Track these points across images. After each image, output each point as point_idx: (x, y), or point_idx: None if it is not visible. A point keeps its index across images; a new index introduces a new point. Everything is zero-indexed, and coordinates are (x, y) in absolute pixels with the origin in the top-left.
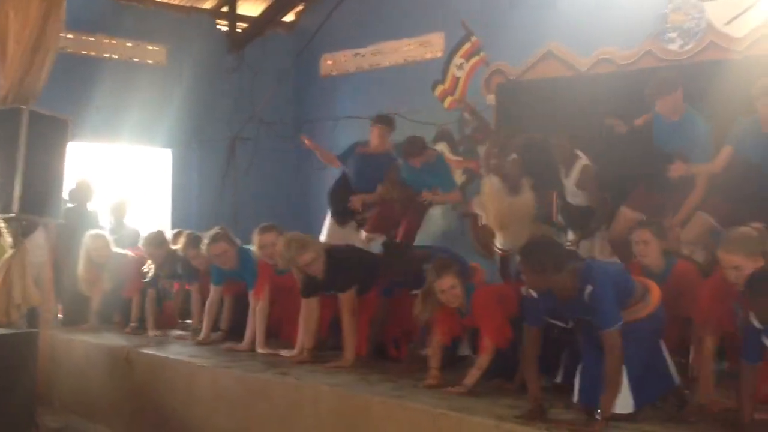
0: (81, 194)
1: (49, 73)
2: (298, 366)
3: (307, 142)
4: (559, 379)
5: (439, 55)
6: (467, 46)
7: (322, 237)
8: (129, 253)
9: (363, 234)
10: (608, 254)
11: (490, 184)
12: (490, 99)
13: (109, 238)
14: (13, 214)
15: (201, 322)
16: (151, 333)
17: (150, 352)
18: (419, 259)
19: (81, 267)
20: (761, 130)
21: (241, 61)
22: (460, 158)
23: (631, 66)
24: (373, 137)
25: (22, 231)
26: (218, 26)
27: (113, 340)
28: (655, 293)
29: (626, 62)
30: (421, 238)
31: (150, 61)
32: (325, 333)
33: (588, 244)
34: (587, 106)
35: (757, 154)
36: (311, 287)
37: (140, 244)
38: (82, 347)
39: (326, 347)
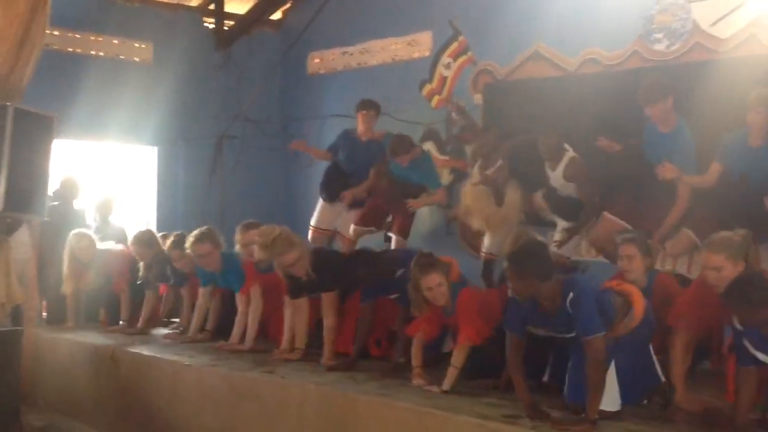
0: (66, 192)
1: (35, 70)
2: (284, 365)
3: (295, 146)
4: (546, 378)
5: (427, 54)
6: (455, 45)
7: (313, 219)
8: (114, 246)
9: (352, 227)
10: (594, 254)
11: (475, 192)
12: (478, 98)
13: (94, 237)
14: None
15: (188, 321)
16: (139, 330)
17: (135, 350)
18: (388, 264)
19: (66, 266)
20: (747, 144)
21: (228, 59)
22: (447, 158)
23: (618, 66)
24: (360, 123)
25: (6, 228)
26: (205, 24)
27: (98, 338)
28: (638, 305)
29: (613, 63)
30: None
31: (136, 59)
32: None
33: (575, 242)
34: (574, 106)
35: (742, 168)
36: (297, 289)
37: (129, 242)
38: (66, 345)
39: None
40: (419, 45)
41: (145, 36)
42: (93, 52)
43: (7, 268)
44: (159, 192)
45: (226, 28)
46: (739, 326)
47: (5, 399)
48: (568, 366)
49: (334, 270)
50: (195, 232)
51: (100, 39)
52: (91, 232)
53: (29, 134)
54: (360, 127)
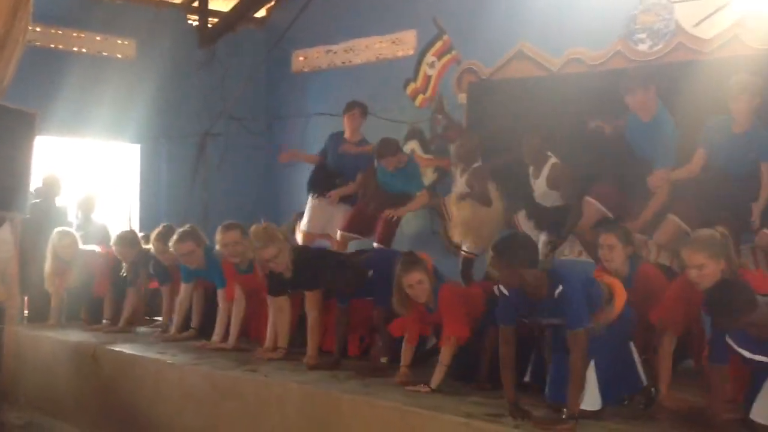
0: (49, 189)
1: (17, 67)
2: (267, 363)
3: (286, 156)
4: (527, 378)
5: (411, 53)
6: (439, 44)
7: (303, 223)
8: (97, 249)
9: (338, 233)
10: (578, 252)
11: (460, 206)
12: (462, 98)
13: (76, 235)
14: None
15: (170, 319)
16: (121, 329)
17: (117, 349)
18: (360, 267)
19: (48, 264)
20: (731, 130)
21: (211, 57)
22: (431, 157)
23: (601, 66)
24: (346, 126)
25: None
26: (189, 21)
27: (80, 336)
28: (620, 297)
29: (596, 62)
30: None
31: (119, 56)
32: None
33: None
34: (558, 105)
35: (726, 154)
36: (278, 286)
37: (112, 243)
38: (48, 344)
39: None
40: (403, 44)
41: (128, 33)
42: (75, 49)
43: None
44: (142, 190)
45: (210, 25)
46: (721, 325)
47: None
48: (548, 367)
49: (316, 268)
50: (178, 231)
51: (83, 35)
52: (73, 231)
53: (11, 131)
54: (347, 130)
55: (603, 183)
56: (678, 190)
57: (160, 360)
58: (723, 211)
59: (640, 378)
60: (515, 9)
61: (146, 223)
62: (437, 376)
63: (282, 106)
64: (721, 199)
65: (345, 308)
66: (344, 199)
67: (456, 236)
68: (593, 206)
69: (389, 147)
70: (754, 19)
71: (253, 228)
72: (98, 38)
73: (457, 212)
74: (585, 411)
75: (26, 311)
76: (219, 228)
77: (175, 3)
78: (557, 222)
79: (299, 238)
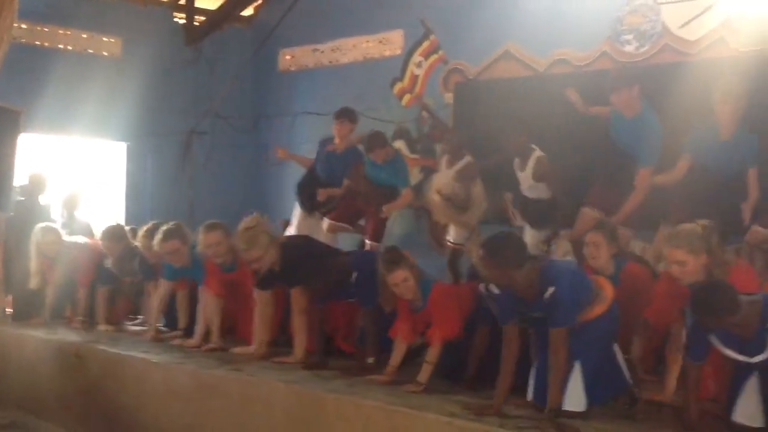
0: (34, 187)
1: (2, 64)
2: (252, 362)
3: (281, 154)
4: (530, 397)
5: (398, 52)
6: (426, 44)
7: (292, 228)
8: (81, 240)
9: (325, 222)
10: (567, 253)
11: (440, 206)
12: (449, 97)
13: (61, 231)
14: None
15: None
16: (102, 328)
17: (101, 347)
18: (341, 271)
19: (32, 261)
20: (718, 137)
21: (198, 55)
22: (417, 156)
23: (588, 67)
24: (335, 132)
25: None
26: (175, 19)
27: (64, 335)
28: (609, 291)
29: (582, 63)
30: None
31: (105, 53)
32: (278, 329)
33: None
34: (544, 106)
35: (713, 160)
36: (267, 279)
37: (99, 237)
38: (32, 342)
39: (279, 343)
40: (390, 43)
41: (114, 30)
42: (61, 46)
43: None
44: (127, 188)
45: (196, 23)
46: (704, 325)
47: None
48: (532, 368)
49: (302, 266)
50: (162, 229)
51: (69, 33)
52: (57, 226)
53: None
54: (336, 137)
55: (595, 186)
56: (666, 193)
57: (144, 359)
58: (710, 214)
59: (624, 378)
60: (502, 10)
61: (132, 221)
62: (424, 375)
63: (269, 105)
64: (708, 200)
65: (318, 310)
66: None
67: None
68: (589, 215)
69: (378, 139)
70: (739, 21)
71: (241, 226)
72: (84, 36)
73: (435, 213)
74: (571, 411)
75: (10, 310)
76: (201, 228)
77: (161, 1)
78: (543, 214)
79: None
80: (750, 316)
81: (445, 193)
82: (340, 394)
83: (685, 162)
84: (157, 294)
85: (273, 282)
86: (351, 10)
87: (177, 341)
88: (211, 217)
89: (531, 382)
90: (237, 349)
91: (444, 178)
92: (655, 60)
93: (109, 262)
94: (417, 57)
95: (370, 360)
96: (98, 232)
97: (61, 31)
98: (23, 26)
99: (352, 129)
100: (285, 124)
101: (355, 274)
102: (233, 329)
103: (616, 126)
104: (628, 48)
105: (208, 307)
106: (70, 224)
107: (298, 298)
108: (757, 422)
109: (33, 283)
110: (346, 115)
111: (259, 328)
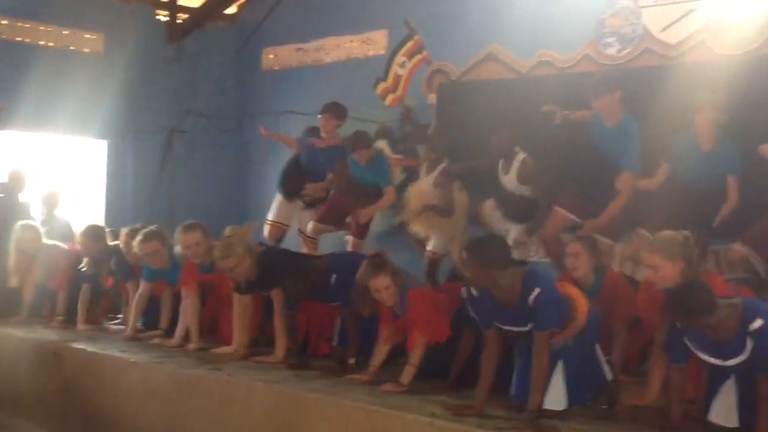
0: (13, 184)
1: None
2: (231, 362)
3: (264, 132)
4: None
5: (382, 52)
6: (410, 44)
7: (270, 214)
8: (61, 244)
9: (311, 225)
10: (543, 254)
11: (422, 218)
12: (432, 98)
13: (40, 229)
14: None
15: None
16: (81, 327)
17: (80, 346)
18: (321, 271)
19: (12, 259)
20: (698, 148)
21: (180, 53)
22: (400, 156)
23: (570, 69)
24: (321, 126)
25: None
26: (158, 16)
27: (43, 334)
28: (581, 309)
29: (565, 65)
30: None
31: (86, 50)
32: (257, 330)
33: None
34: (527, 107)
35: (694, 170)
36: (245, 285)
37: (77, 236)
38: (10, 341)
39: (260, 343)
40: (374, 43)
41: (96, 27)
42: (42, 42)
43: None
44: (108, 186)
45: (179, 21)
46: (680, 325)
47: None
48: (514, 367)
49: (277, 272)
50: (143, 231)
51: (50, 29)
52: (37, 224)
53: None
54: (321, 131)
55: (571, 188)
56: (645, 201)
57: (123, 358)
58: (689, 222)
59: (605, 379)
60: (486, 11)
61: (112, 220)
62: (406, 377)
63: (252, 104)
64: (688, 208)
65: (291, 315)
66: (312, 204)
67: (416, 230)
68: (560, 214)
69: (362, 139)
70: (720, 25)
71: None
72: (65, 32)
73: (417, 223)
74: (550, 411)
75: None
76: (179, 229)
77: None
78: (527, 212)
79: (265, 230)
80: (728, 318)
81: (427, 203)
82: (321, 394)
83: (664, 171)
84: (137, 295)
85: (251, 289)
86: (335, 9)
87: (157, 340)
88: (192, 216)
89: (513, 381)
90: (217, 350)
91: (423, 186)
92: (637, 63)
93: (85, 262)
94: (401, 57)
95: (351, 360)
96: (78, 231)
97: (42, 28)
98: (4, 22)
99: (337, 124)
100: (268, 123)
101: (334, 276)
102: (214, 330)
103: (597, 132)
104: (610, 51)
105: (188, 307)
106: (50, 222)
107: (279, 298)
108: (732, 422)
109: (12, 281)
110: (331, 109)
111: (238, 330)
